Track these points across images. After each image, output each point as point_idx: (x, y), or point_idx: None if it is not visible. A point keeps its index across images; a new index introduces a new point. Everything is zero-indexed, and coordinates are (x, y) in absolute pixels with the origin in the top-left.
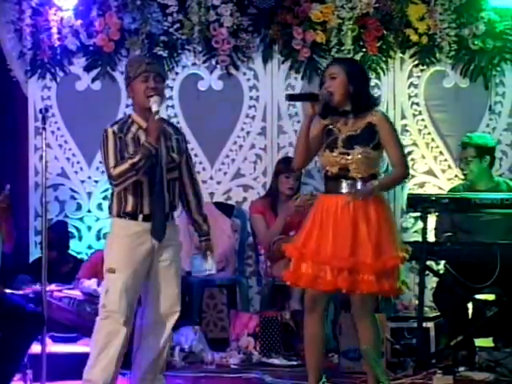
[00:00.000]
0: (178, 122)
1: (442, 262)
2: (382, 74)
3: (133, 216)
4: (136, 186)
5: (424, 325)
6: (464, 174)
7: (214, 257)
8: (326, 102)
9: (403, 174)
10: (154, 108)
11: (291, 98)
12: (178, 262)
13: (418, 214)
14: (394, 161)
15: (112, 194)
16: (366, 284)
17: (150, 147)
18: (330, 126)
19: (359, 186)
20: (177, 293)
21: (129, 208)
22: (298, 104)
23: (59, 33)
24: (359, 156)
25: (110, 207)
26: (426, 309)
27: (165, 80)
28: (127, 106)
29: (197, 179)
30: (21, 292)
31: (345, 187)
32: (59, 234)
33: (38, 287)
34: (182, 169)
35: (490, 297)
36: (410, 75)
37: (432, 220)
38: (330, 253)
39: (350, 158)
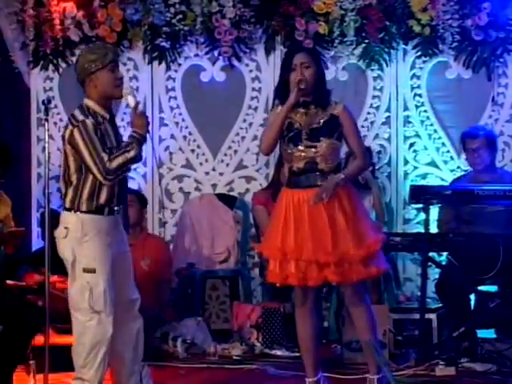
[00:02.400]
0: (181, 114)
1: (445, 254)
2: (384, 65)
3: (100, 211)
4: None
5: (426, 316)
6: (472, 164)
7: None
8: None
9: (365, 164)
10: (132, 102)
11: None
12: (129, 252)
13: (421, 205)
14: (357, 151)
15: (79, 185)
16: (355, 273)
17: (143, 140)
18: (290, 120)
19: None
20: (133, 281)
21: (102, 201)
22: None
23: (62, 24)
24: (325, 148)
25: (73, 201)
26: (429, 300)
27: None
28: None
29: None
30: (23, 283)
31: (313, 180)
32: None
33: (39, 277)
34: None
35: (493, 288)
36: (413, 66)
37: (434, 211)
38: (313, 249)
39: (317, 150)
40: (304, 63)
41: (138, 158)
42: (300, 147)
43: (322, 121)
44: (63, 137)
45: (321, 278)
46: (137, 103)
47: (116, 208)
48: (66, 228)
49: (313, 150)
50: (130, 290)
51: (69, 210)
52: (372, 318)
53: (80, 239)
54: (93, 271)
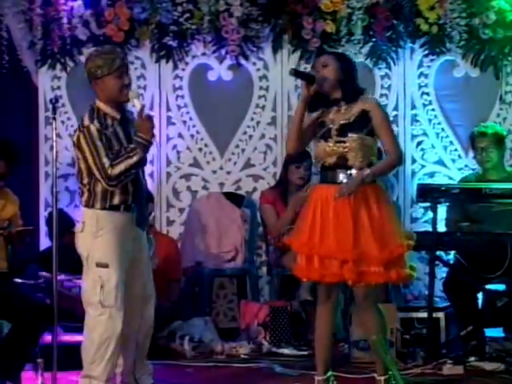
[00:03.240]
0: (188, 112)
1: (452, 252)
2: (392, 63)
3: (117, 208)
4: None
5: (434, 315)
6: (481, 163)
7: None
8: (317, 95)
9: (396, 161)
10: (138, 105)
11: (295, 72)
12: (148, 250)
13: (428, 204)
14: (387, 147)
15: (92, 188)
16: (373, 275)
17: (148, 145)
18: (322, 119)
19: (347, 178)
20: (151, 278)
21: (115, 201)
22: None
23: (69, 23)
24: (355, 143)
25: (88, 200)
26: (436, 299)
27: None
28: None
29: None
30: (32, 282)
31: (342, 177)
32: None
33: (48, 275)
34: None
35: (501, 287)
36: (420, 65)
37: (442, 210)
38: (334, 245)
39: (346, 145)
40: (323, 63)
41: (141, 163)
42: (330, 143)
43: (352, 117)
44: (73, 141)
45: (338, 276)
46: (142, 106)
47: (132, 205)
48: (83, 222)
49: (342, 145)
50: (147, 287)
51: (86, 206)
52: (381, 323)
53: (95, 234)
54: (105, 266)
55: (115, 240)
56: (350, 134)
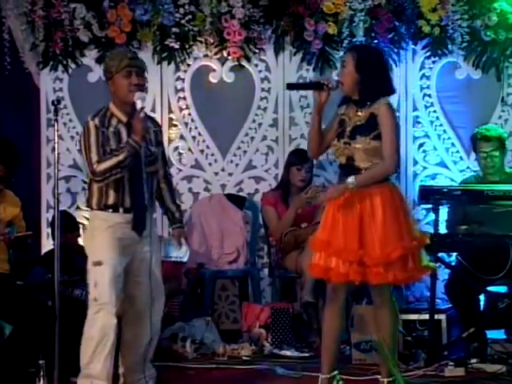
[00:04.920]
0: (190, 114)
1: (454, 254)
2: (393, 65)
3: (114, 208)
4: (117, 180)
5: (436, 317)
6: (484, 167)
7: (186, 244)
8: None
9: (389, 168)
10: (139, 105)
11: (290, 87)
12: (158, 252)
13: (430, 205)
14: (384, 152)
15: (90, 187)
16: (375, 276)
17: (136, 145)
18: (343, 116)
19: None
20: (160, 281)
21: (110, 201)
22: (310, 95)
23: (71, 25)
24: (358, 146)
25: (88, 200)
26: (438, 301)
27: (146, 74)
28: None
29: (169, 171)
30: (33, 284)
31: (348, 178)
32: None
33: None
34: (158, 161)
35: (502, 289)
36: (422, 67)
37: (444, 212)
38: (342, 245)
39: (352, 147)
40: (344, 62)
41: (126, 162)
42: (341, 143)
43: (363, 119)
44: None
45: (344, 276)
46: (141, 108)
47: (126, 207)
48: (85, 224)
49: (348, 147)
50: (155, 291)
51: (87, 206)
52: (394, 323)
53: (92, 234)
54: (100, 264)
55: (108, 238)
56: (357, 137)
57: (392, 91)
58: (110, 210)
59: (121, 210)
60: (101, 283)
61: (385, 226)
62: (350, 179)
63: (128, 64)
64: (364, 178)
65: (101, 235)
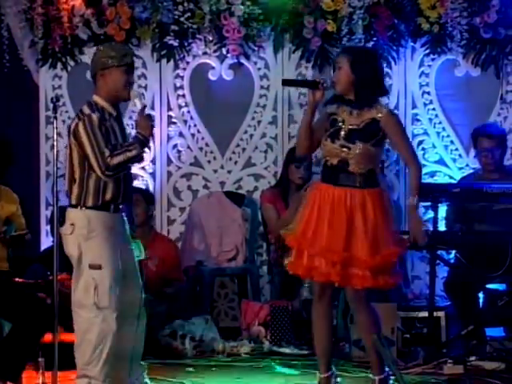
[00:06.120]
0: (189, 112)
1: (453, 252)
2: (392, 63)
3: (106, 207)
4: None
5: (435, 314)
6: (485, 164)
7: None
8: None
9: (419, 170)
10: (139, 105)
11: (285, 83)
12: (132, 249)
13: (429, 203)
14: (407, 160)
15: (83, 183)
16: (360, 279)
17: (146, 142)
18: (335, 116)
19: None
20: (140, 280)
21: (108, 197)
22: None
23: (70, 22)
24: (359, 151)
25: (79, 197)
26: (437, 298)
27: None
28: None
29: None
30: (32, 281)
31: (342, 179)
32: None
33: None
34: None
35: (501, 286)
36: (421, 64)
37: (443, 209)
38: (325, 245)
39: (350, 152)
40: (338, 63)
41: (138, 158)
42: (336, 144)
43: (362, 123)
44: (69, 130)
45: (326, 275)
46: (144, 106)
47: (121, 206)
48: (72, 225)
49: (346, 150)
50: (138, 289)
51: (75, 206)
52: (373, 318)
53: (86, 235)
54: (98, 267)
55: (107, 241)
56: (357, 142)
57: (386, 91)
58: (101, 209)
59: (112, 208)
60: (101, 288)
61: (377, 229)
62: (413, 201)
63: (131, 61)
64: (416, 191)
65: (98, 238)
